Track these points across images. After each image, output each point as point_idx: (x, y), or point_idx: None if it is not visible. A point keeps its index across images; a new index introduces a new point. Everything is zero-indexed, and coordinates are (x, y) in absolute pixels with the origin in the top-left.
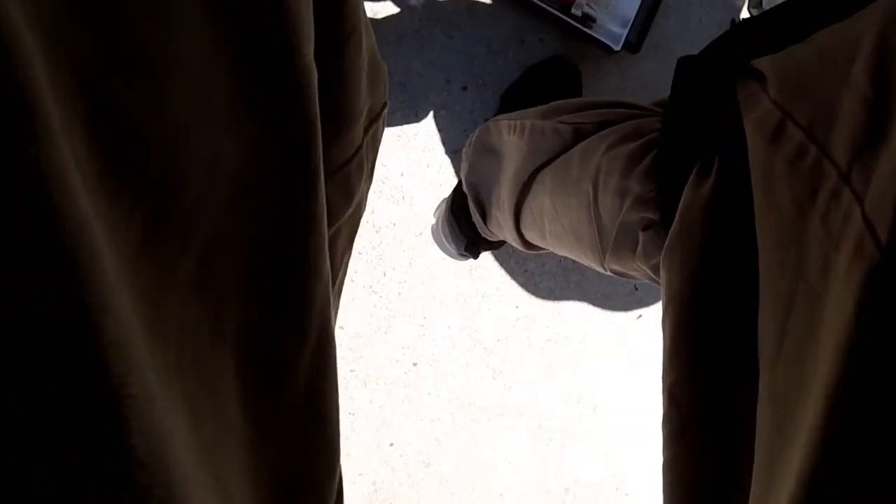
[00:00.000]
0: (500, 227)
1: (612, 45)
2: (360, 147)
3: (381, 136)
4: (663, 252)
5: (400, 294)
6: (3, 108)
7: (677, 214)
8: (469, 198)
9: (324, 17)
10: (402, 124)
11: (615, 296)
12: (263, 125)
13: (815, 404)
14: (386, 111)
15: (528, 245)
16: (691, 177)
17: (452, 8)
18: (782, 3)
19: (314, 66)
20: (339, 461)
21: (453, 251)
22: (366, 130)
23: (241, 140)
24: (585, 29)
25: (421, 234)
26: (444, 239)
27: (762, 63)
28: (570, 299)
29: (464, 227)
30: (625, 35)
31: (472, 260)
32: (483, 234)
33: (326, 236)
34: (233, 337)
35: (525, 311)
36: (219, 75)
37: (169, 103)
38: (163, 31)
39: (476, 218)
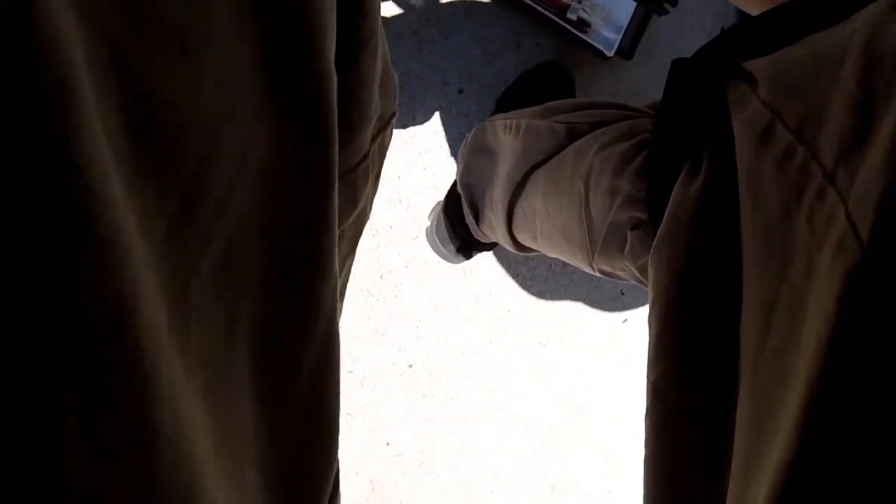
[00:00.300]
0: (493, 228)
1: (605, 51)
2: (367, 154)
3: (389, 144)
4: (652, 250)
5: (396, 297)
6: (42, 93)
7: (666, 213)
8: (463, 199)
9: (343, 22)
10: (399, 127)
11: (603, 299)
12: (286, 126)
13: (795, 398)
14: (394, 120)
15: (519, 247)
16: (681, 177)
17: (450, 9)
18: (775, 8)
19: (335, 71)
20: (337, 457)
21: (447, 253)
22: (374, 138)
23: (265, 139)
24: (580, 34)
25: (417, 237)
26: (437, 240)
27: (754, 65)
28: (559, 303)
29: (457, 229)
30: (618, 41)
31: (466, 263)
32: (476, 236)
33: (337, 240)
34: (245, 333)
35: (517, 313)
36: (248, 73)
37: (202, 94)
38: (196, 20)
39: (469, 219)
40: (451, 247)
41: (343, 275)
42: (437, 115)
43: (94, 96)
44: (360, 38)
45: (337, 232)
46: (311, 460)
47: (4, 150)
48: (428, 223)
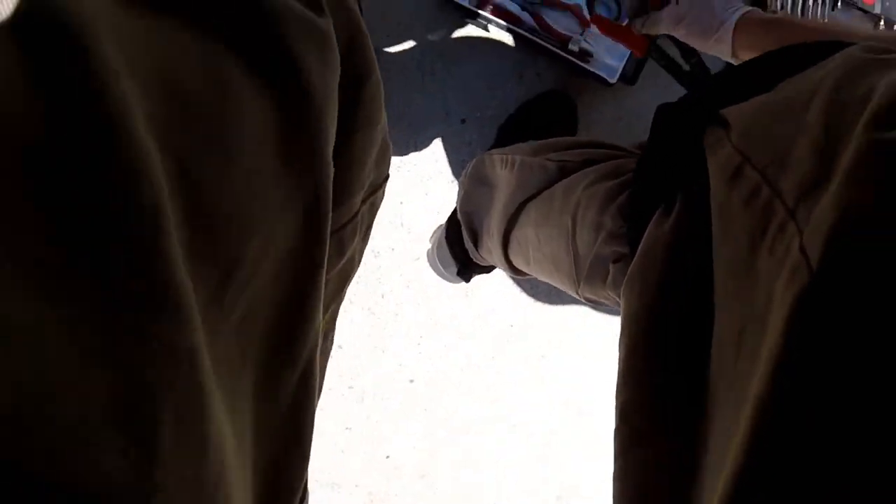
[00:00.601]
0: (490, 253)
1: (608, 78)
2: (356, 214)
3: (380, 203)
4: (625, 281)
5: (397, 315)
6: (141, 215)
7: (640, 248)
8: (462, 225)
9: (345, 100)
10: (402, 154)
11: (605, 311)
12: (296, 211)
13: (746, 413)
14: (386, 183)
15: (515, 270)
16: (655, 216)
17: (453, 42)
18: (752, 59)
19: (332, 162)
20: (307, 465)
21: (447, 274)
22: (364, 200)
23: (279, 222)
24: (583, 64)
25: (418, 258)
26: (438, 263)
27: (730, 112)
28: (561, 318)
29: (457, 253)
30: (621, 68)
31: (465, 285)
32: (475, 260)
33: (323, 293)
34: (251, 368)
35: (518, 329)
36: (271, 171)
37: (242, 192)
38: (235, 128)
39: (468, 244)
40: (452, 269)
41: (329, 314)
42: (439, 142)
43: (171, 207)
44: (356, 122)
45: (323, 287)
46: (287, 466)
47: (116, 259)
48: (429, 245)
